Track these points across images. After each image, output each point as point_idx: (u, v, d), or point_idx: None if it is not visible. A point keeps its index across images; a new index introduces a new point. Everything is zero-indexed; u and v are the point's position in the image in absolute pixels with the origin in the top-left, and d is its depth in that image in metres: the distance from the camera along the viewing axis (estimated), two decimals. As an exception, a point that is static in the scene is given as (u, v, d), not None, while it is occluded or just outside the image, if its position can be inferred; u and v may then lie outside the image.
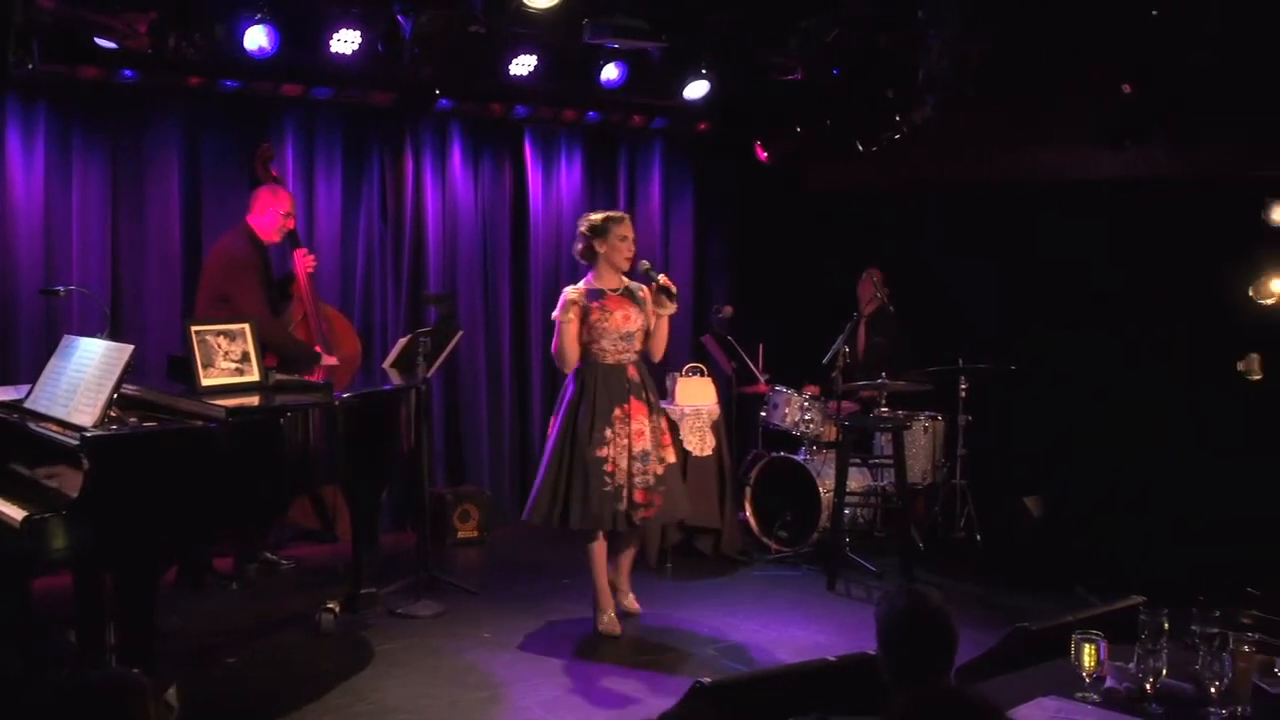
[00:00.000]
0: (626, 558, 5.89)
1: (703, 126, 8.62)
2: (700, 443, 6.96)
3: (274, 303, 6.31)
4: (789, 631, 5.81)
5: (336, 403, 5.02)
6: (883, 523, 7.53)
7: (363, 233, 7.61)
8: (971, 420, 7.21)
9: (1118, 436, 7.10)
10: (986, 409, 7.24)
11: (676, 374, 7.16)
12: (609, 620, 5.68)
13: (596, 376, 5.51)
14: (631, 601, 5.93)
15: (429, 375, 6.31)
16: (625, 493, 5.46)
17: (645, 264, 5.66)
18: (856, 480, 7.29)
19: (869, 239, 8.16)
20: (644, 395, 5.59)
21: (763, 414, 7.54)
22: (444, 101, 7.51)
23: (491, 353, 8.06)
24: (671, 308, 5.52)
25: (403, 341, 6.39)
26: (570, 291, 5.61)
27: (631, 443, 5.48)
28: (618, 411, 5.49)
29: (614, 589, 5.81)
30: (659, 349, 5.66)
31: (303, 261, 6.45)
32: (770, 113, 7.98)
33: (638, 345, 5.60)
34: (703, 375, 7.20)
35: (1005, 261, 7.76)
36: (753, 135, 8.19)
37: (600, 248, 5.60)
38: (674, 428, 6.42)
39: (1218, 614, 2.98)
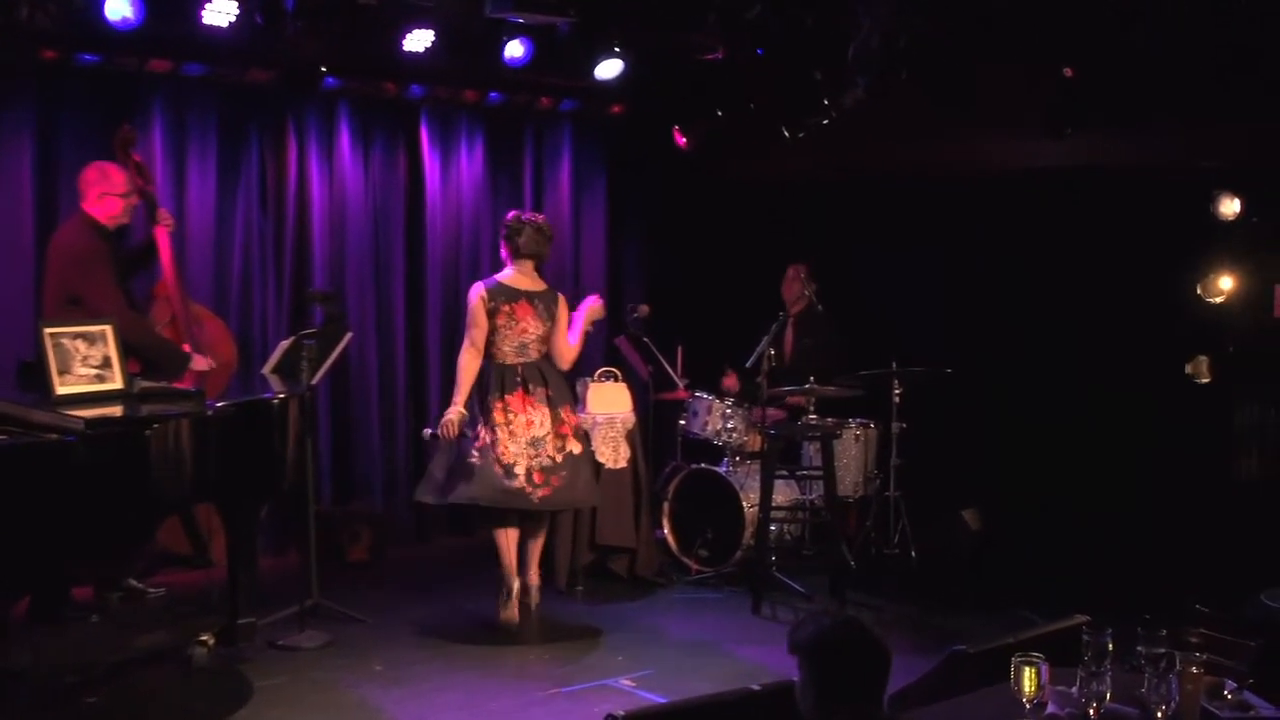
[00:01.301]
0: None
1: (616, 109, 8.63)
2: (614, 454, 6.95)
3: (130, 294, 6.18)
4: (710, 659, 5.82)
5: (210, 412, 4.96)
6: (811, 539, 7.56)
7: (240, 225, 7.50)
8: (906, 428, 7.27)
9: (1061, 444, 7.23)
10: (922, 415, 7.30)
11: (588, 379, 7.15)
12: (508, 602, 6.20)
13: None
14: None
15: (314, 382, 6.25)
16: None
17: None
18: (783, 494, 7.33)
19: (797, 232, 8.22)
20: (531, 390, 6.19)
21: (681, 422, 7.56)
22: (331, 80, 7.44)
23: (384, 356, 7.99)
24: None
25: (285, 344, 6.32)
26: None
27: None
28: None
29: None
30: (554, 356, 6.36)
31: (166, 242, 6.30)
32: (689, 95, 7.99)
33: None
34: (617, 380, 7.19)
35: (941, 256, 7.86)
36: (670, 119, 8.20)
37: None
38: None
39: (1164, 633, 3.03)
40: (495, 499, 5.99)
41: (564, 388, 6.30)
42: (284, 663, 5.62)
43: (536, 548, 6.34)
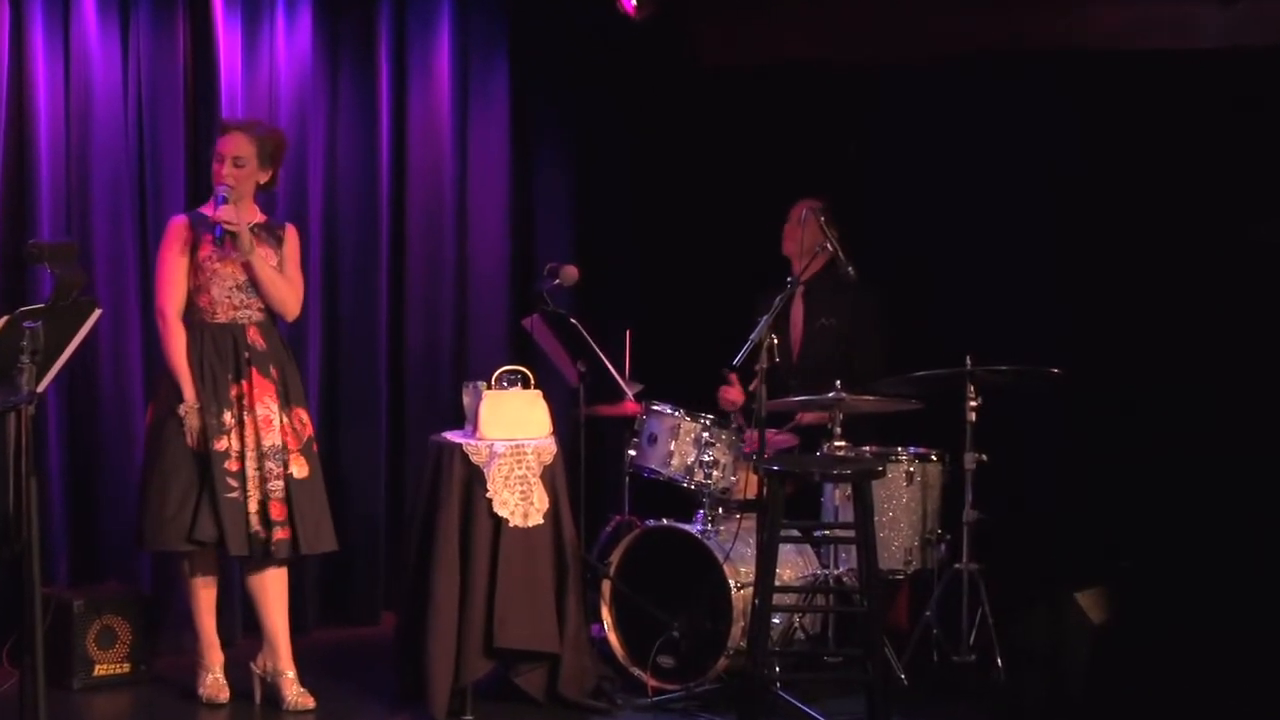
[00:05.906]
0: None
1: (524, -45, 8.59)
2: (523, 504, 6.87)
3: None
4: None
5: None
6: (838, 639, 7.53)
7: (-81, 140, 7.49)
8: (986, 461, 7.24)
9: (1229, 484, 7.28)
10: (1011, 442, 7.32)
11: (480, 385, 7.04)
12: (214, 681, 6.88)
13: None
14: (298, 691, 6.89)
15: (41, 388, 6.12)
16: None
17: (224, 189, 6.79)
18: (792, 567, 7.30)
19: (809, 149, 8.20)
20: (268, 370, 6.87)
21: (631, 453, 7.53)
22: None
23: (153, 343, 7.83)
24: (242, 254, 6.73)
25: (-10, 329, 6.19)
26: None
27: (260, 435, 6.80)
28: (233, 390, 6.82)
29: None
30: (278, 305, 6.95)
31: None
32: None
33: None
34: (527, 386, 7.10)
35: (1043, 187, 7.86)
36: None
37: None
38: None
39: None
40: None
41: (297, 375, 7.06)
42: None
43: (281, 618, 6.87)
